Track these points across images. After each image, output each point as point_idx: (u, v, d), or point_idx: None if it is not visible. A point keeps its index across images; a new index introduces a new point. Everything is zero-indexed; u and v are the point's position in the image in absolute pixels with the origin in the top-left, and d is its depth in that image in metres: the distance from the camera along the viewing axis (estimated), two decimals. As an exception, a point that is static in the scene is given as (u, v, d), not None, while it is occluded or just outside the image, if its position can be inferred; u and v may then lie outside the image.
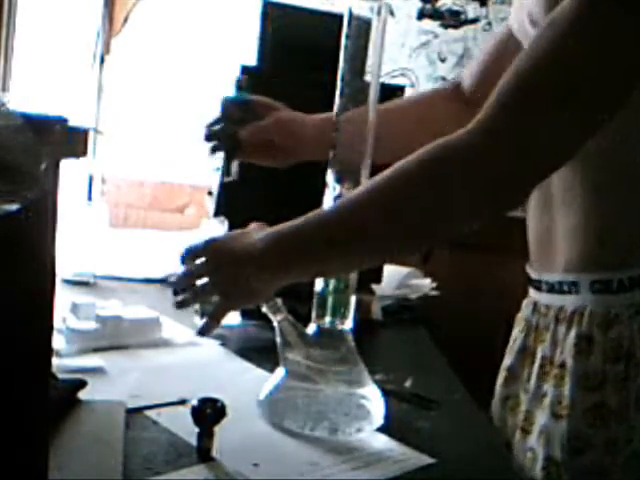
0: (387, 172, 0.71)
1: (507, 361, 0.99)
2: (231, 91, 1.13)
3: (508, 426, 0.96)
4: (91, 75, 2.47)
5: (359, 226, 0.73)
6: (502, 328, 1.08)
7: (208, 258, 0.83)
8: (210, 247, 0.84)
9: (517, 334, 0.98)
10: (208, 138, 1.10)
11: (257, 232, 0.81)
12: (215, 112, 1.11)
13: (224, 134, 1.09)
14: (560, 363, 0.87)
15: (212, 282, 0.83)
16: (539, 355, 0.91)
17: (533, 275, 0.95)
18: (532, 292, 0.96)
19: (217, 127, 1.09)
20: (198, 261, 0.84)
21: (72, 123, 0.53)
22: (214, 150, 1.10)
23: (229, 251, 0.81)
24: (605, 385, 0.82)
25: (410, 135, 1.04)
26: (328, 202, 0.83)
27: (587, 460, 0.83)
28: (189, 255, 0.85)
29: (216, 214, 1.14)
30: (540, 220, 0.93)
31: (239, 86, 1.12)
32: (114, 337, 1.00)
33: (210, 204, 1.34)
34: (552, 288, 0.91)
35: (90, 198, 2.44)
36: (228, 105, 1.10)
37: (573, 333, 0.85)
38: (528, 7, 0.84)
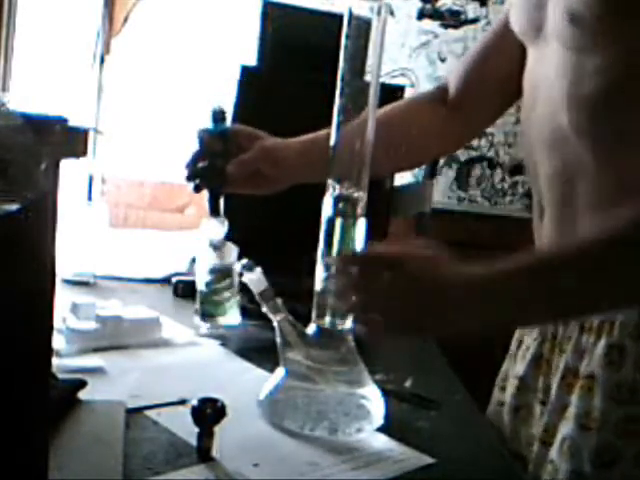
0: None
1: (517, 369, 0.97)
2: (207, 123, 1.04)
3: (522, 437, 0.94)
4: (91, 75, 2.47)
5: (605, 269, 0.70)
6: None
7: (409, 284, 0.72)
8: (415, 273, 0.72)
9: (530, 342, 0.96)
10: (191, 178, 1.04)
11: (456, 266, 0.72)
12: (193, 148, 1.04)
13: (211, 172, 1.03)
14: (587, 374, 0.84)
15: (395, 308, 0.73)
16: (561, 366, 0.88)
17: None
18: None
19: (200, 164, 1.03)
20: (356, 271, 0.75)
21: (72, 123, 0.53)
22: (197, 189, 1.04)
23: (434, 282, 0.72)
24: (637, 396, 0.81)
25: (394, 144, 1.03)
26: (328, 203, 0.83)
27: (616, 473, 0.81)
28: (366, 260, 0.76)
29: (216, 215, 1.12)
30: (559, 229, 0.89)
31: (215, 118, 1.04)
32: (114, 337, 1.00)
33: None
34: None
35: (90, 198, 2.44)
36: (206, 138, 1.04)
37: (603, 343, 0.83)
38: (567, 6, 0.79)
